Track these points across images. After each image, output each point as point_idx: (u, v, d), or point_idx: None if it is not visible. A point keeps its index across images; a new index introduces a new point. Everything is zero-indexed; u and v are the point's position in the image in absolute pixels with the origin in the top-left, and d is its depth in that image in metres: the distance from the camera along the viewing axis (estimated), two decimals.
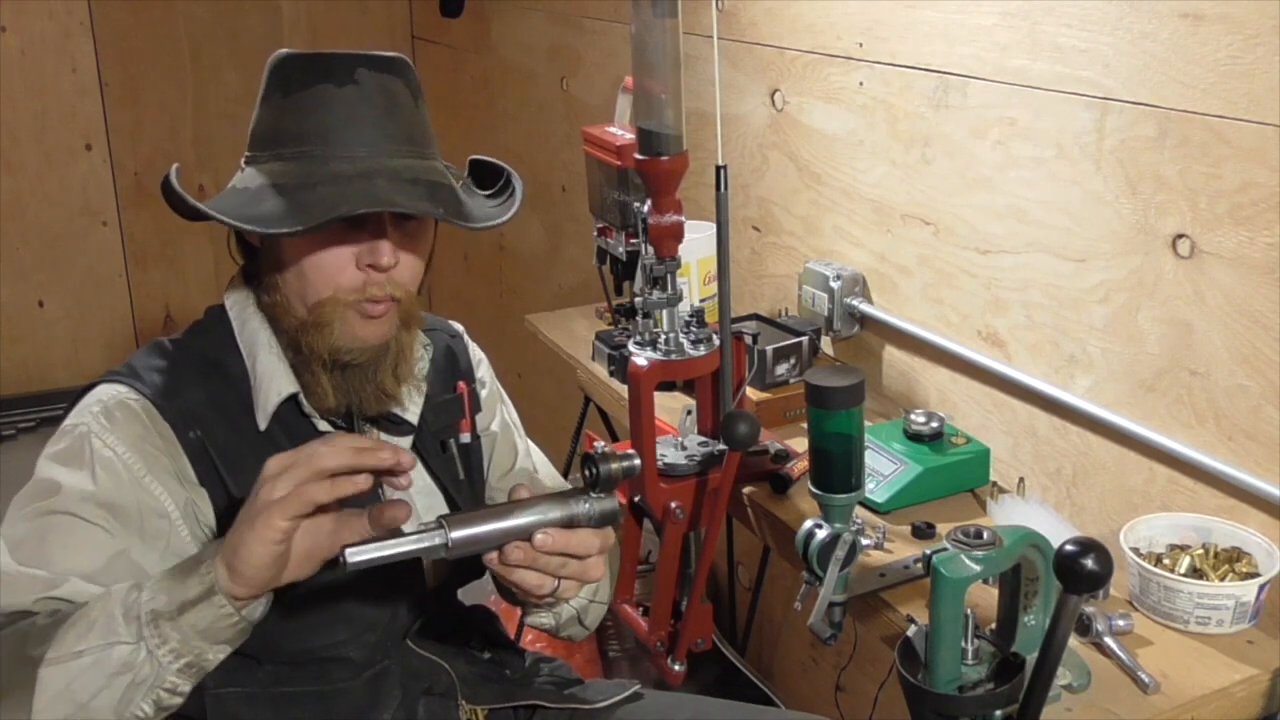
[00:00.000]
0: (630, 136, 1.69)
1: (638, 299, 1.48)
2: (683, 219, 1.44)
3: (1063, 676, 1.23)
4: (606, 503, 1.11)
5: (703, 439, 1.55)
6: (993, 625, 1.20)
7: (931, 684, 1.09)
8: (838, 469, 1.31)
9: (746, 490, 1.64)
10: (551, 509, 1.09)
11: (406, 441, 1.33)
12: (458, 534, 1.05)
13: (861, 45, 1.89)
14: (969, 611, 1.10)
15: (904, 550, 1.48)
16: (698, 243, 1.88)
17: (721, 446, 1.49)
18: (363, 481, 1.04)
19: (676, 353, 1.47)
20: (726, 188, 1.44)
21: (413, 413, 1.33)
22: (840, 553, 1.29)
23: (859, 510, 1.46)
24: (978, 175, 1.71)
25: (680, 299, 1.48)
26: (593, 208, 1.87)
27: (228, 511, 1.20)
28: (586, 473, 1.10)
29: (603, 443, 1.13)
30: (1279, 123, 1.28)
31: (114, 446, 1.17)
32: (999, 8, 1.62)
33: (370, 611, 1.27)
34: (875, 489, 1.56)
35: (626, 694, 1.42)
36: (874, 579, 1.41)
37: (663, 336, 1.48)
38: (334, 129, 1.17)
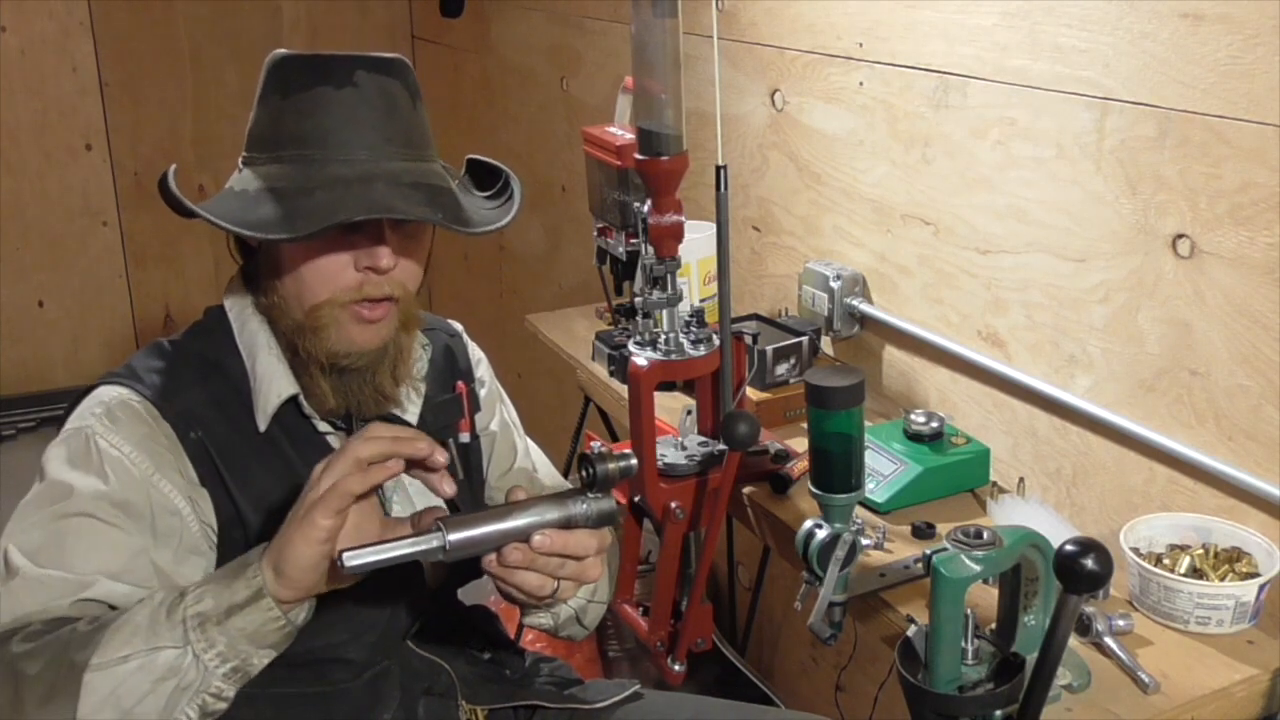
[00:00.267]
0: (630, 136, 1.69)
1: (638, 299, 1.48)
2: (683, 219, 1.44)
3: (1063, 676, 1.23)
4: (604, 503, 1.11)
5: (703, 439, 1.55)
6: (993, 625, 1.20)
7: (931, 684, 1.09)
8: (838, 469, 1.31)
9: (746, 490, 1.64)
10: (549, 510, 1.09)
11: None
12: (455, 536, 1.05)
13: (861, 45, 1.89)
14: (969, 611, 1.09)
15: (904, 550, 1.48)
16: (698, 243, 1.88)
17: (721, 446, 1.49)
18: (394, 466, 1.04)
19: (676, 353, 1.47)
20: (726, 188, 1.43)
21: (411, 413, 1.33)
22: (840, 553, 1.29)
23: (859, 510, 1.46)
24: (978, 175, 1.71)
25: (680, 299, 1.48)
26: (593, 208, 1.86)
27: (228, 512, 1.20)
28: (584, 473, 1.10)
29: (600, 443, 1.13)
30: (1279, 123, 1.28)
31: (120, 446, 1.16)
32: (999, 8, 1.61)
33: (370, 612, 1.27)
34: (875, 489, 1.56)
35: (626, 694, 1.42)
36: (874, 579, 1.41)
37: (663, 336, 1.48)
38: (332, 132, 1.17)
